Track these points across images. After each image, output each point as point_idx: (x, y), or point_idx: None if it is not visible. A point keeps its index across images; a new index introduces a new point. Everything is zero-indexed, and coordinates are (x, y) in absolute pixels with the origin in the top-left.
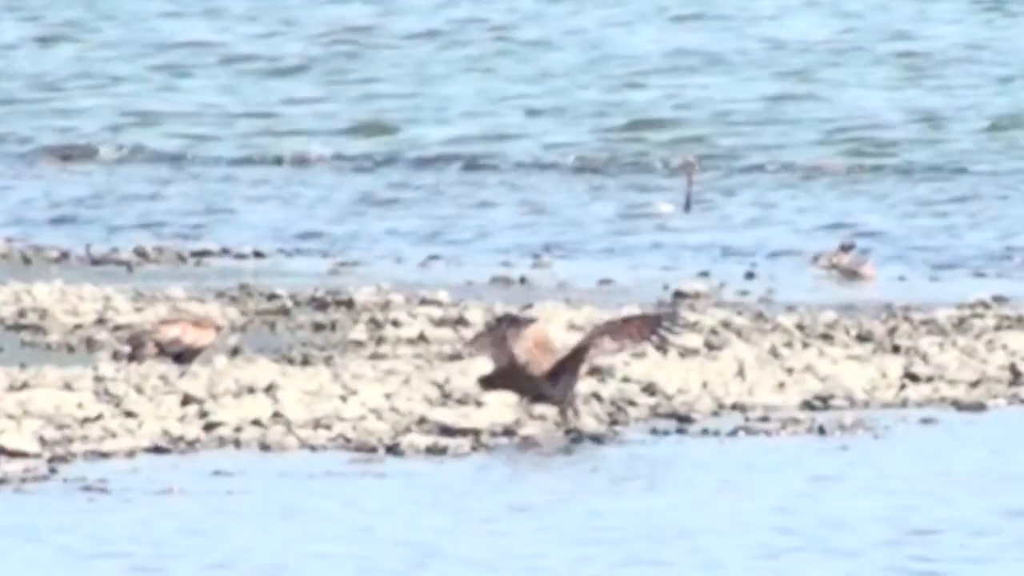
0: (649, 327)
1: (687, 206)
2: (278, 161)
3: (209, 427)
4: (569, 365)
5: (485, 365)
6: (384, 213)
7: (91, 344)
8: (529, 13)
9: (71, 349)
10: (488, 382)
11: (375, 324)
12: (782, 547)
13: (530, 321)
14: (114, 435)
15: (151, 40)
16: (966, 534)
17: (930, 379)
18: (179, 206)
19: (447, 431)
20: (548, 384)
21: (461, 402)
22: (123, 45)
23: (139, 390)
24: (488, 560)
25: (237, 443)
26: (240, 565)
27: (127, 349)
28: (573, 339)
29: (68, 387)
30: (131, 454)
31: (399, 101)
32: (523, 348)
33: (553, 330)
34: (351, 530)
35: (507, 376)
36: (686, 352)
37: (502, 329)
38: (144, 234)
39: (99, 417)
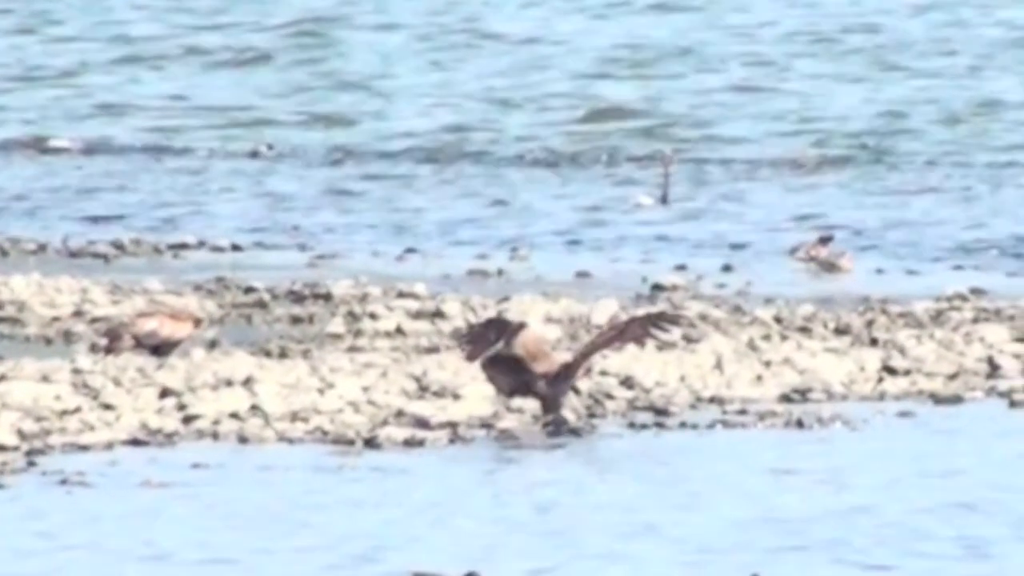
0: (649, 325)
1: (664, 198)
2: (251, 154)
3: (187, 420)
4: (571, 371)
5: (474, 355)
6: (353, 205)
7: (69, 336)
8: (496, 3)
9: (49, 341)
10: (491, 364)
11: (352, 317)
12: (753, 541)
13: (520, 325)
14: (92, 428)
15: (116, 32)
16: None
17: (908, 372)
18: (146, 199)
19: (424, 424)
20: (545, 382)
21: (438, 395)
22: (85, 38)
23: (117, 383)
24: (463, 552)
25: (215, 436)
26: (218, 557)
27: (103, 342)
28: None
29: (46, 379)
30: (109, 447)
31: (361, 93)
32: (521, 345)
33: (545, 332)
34: (327, 522)
35: (510, 362)
36: (664, 345)
37: (490, 332)
38: (115, 227)
39: (77, 410)
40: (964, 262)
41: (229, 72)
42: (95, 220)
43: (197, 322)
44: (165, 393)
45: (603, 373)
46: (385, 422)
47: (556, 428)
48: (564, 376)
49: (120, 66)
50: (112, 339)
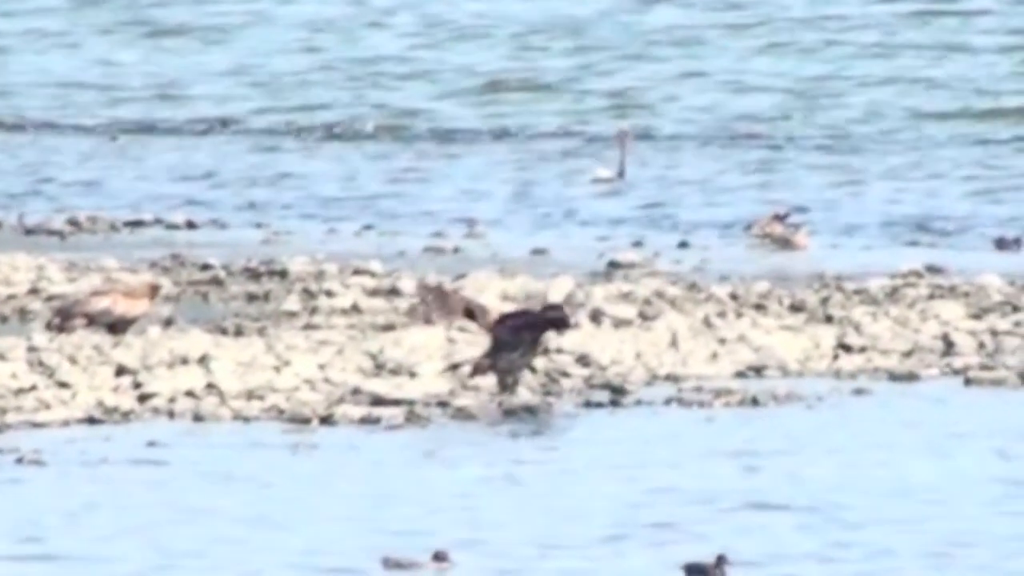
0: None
1: (621, 174)
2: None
3: (143, 398)
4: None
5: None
6: (308, 184)
7: (24, 314)
8: None
9: (4, 319)
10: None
11: (308, 294)
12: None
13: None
14: (48, 406)
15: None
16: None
17: (863, 349)
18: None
19: (381, 402)
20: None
21: (395, 373)
22: None
23: (73, 361)
24: (420, 529)
25: (171, 414)
26: (176, 535)
27: (55, 321)
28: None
29: (2, 358)
30: (65, 424)
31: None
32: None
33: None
34: (284, 501)
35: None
36: (619, 323)
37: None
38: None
39: (33, 388)
40: (919, 239)
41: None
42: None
43: (154, 289)
44: (121, 371)
45: (559, 351)
46: (341, 400)
47: (512, 406)
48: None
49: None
50: (64, 318)
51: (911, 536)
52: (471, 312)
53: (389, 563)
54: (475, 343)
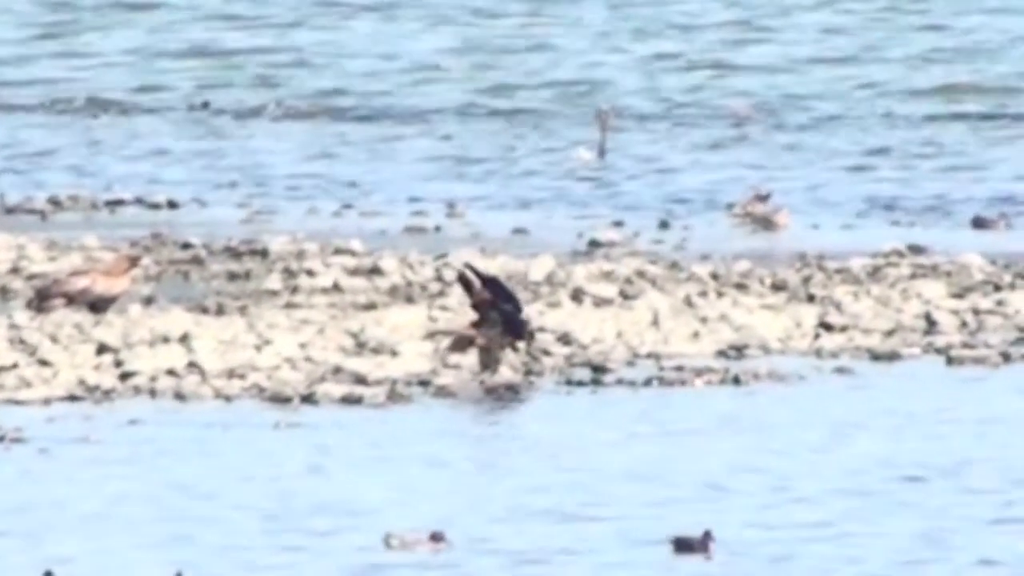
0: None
1: (601, 154)
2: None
3: (124, 376)
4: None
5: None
6: (292, 162)
7: (5, 293)
8: None
9: None
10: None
11: (289, 273)
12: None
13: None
14: (29, 384)
15: None
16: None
17: (844, 328)
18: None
19: (362, 381)
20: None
21: (376, 351)
22: None
23: (54, 339)
24: (402, 509)
25: (152, 392)
26: (155, 515)
27: (36, 301)
28: None
29: None
30: (47, 403)
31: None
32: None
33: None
34: (265, 480)
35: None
36: (601, 302)
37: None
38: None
39: (14, 366)
40: (901, 218)
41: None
42: None
43: (133, 260)
44: (102, 349)
45: (540, 329)
46: (322, 379)
47: (494, 385)
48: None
49: None
50: (43, 298)
51: (894, 519)
52: (465, 281)
53: (390, 540)
54: (456, 320)
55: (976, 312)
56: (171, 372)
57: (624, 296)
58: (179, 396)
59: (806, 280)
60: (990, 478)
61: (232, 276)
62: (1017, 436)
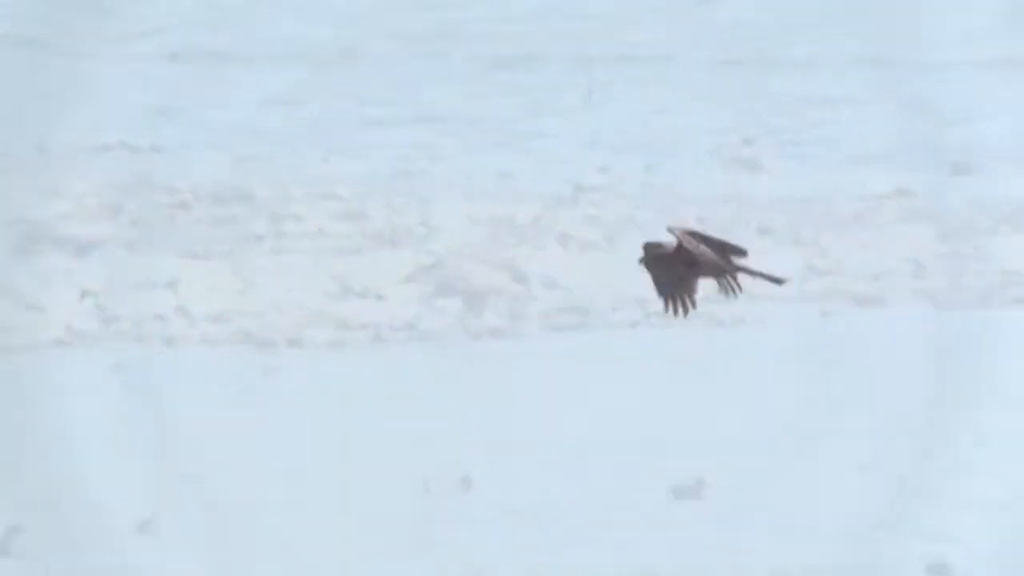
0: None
1: (588, 98)
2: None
3: (109, 321)
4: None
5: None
6: (275, 108)
7: None
8: None
9: None
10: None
11: (276, 218)
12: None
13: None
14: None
15: None
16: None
17: (830, 272)
18: None
19: (347, 325)
20: None
21: (361, 296)
22: None
23: (40, 283)
24: (382, 455)
25: (138, 337)
26: (144, 458)
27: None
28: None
29: None
30: (33, 348)
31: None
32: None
33: None
34: (252, 423)
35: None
36: (586, 246)
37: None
38: None
39: None
40: (889, 162)
41: None
42: None
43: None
44: (87, 294)
45: (526, 276)
46: (308, 323)
47: (478, 329)
48: None
49: None
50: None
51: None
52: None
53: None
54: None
55: (960, 257)
56: (157, 316)
57: (609, 241)
58: (165, 340)
59: (792, 224)
60: None
61: (218, 221)
62: None
